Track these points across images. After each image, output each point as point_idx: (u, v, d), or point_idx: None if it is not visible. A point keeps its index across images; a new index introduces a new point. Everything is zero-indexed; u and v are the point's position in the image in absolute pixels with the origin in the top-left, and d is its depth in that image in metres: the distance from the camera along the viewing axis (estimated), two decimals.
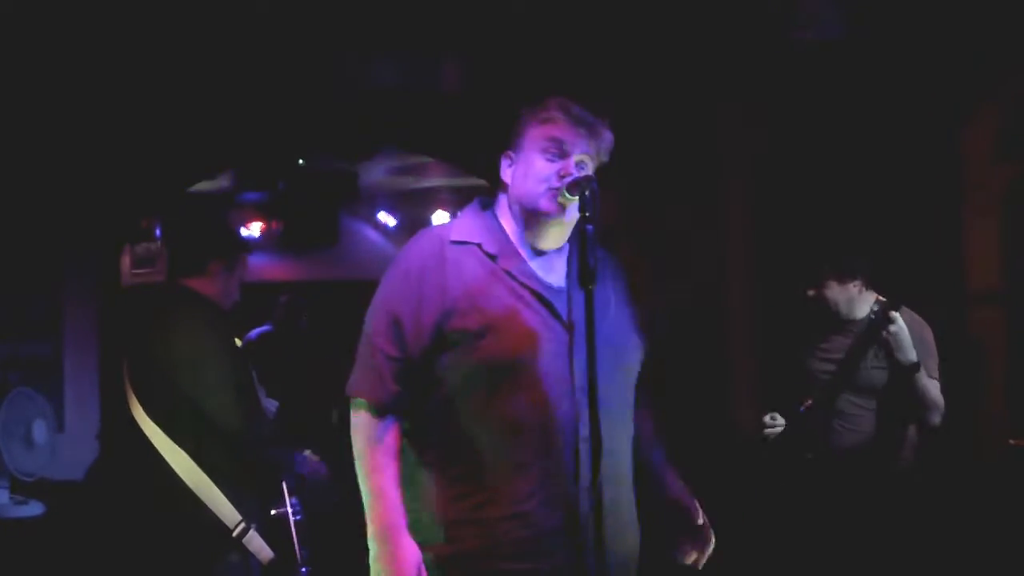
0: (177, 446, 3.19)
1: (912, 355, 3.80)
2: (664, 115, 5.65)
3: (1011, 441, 4.90)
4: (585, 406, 2.15)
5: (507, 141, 2.37)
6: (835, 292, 4.03)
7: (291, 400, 5.72)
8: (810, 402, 4.00)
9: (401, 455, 2.29)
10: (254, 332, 6.75)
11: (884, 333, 3.79)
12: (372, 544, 2.24)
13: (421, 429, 2.29)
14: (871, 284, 4.06)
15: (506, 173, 2.37)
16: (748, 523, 4.59)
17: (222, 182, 8.30)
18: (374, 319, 2.31)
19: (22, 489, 4.46)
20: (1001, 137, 5.21)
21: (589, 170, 2.29)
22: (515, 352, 2.20)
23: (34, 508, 4.39)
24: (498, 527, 2.20)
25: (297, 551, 3.29)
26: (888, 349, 3.83)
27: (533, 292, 2.27)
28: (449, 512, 2.24)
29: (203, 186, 7.50)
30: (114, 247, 6.34)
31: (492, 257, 2.30)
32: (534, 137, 2.30)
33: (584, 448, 2.18)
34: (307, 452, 3.46)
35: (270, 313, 6.85)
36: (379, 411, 2.28)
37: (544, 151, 2.28)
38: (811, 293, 4.07)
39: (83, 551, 3.71)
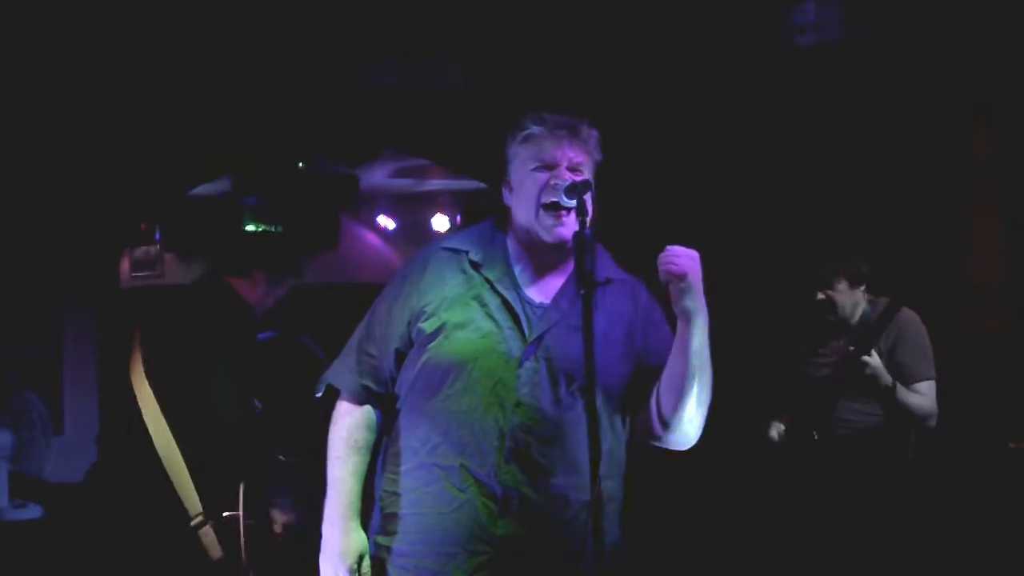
0: (166, 424, 3.26)
1: (887, 380, 3.81)
2: (662, 118, 5.65)
3: (1011, 444, 4.90)
4: (521, 418, 2.21)
5: (502, 172, 2.39)
6: (844, 296, 4.03)
7: (286, 406, 5.72)
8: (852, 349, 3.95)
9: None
10: (259, 337, 6.74)
11: (864, 373, 3.81)
12: (323, 530, 2.35)
13: (388, 426, 2.40)
14: (871, 290, 4.07)
15: (508, 198, 2.39)
16: (748, 527, 4.59)
17: (222, 185, 8.28)
18: (365, 318, 2.43)
19: (21, 492, 4.46)
20: (1004, 138, 5.21)
21: (586, 173, 2.29)
22: (455, 357, 2.25)
23: (33, 511, 4.39)
24: (420, 525, 2.29)
25: (243, 555, 3.32)
26: (866, 379, 3.86)
27: (505, 302, 2.29)
28: (387, 505, 2.36)
29: (203, 189, 7.49)
30: (114, 251, 6.34)
31: (476, 266, 2.32)
32: (521, 159, 2.33)
33: (510, 458, 2.22)
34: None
35: (269, 316, 6.83)
36: (353, 403, 2.39)
37: (532, 169, 2.30)
38: (820, 296, 4.05)
39: (82, 554, 3.72)
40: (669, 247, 2.18)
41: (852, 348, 3.87)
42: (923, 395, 3.88)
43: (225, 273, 3.59)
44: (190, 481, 3.24)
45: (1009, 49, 4.91)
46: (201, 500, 3.25)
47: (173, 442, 3.25)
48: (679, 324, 2.20)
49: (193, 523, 3.24)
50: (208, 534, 3.25)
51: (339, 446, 2.37)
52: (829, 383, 3.98)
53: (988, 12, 4.87)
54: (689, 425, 2.28)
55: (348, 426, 2.38)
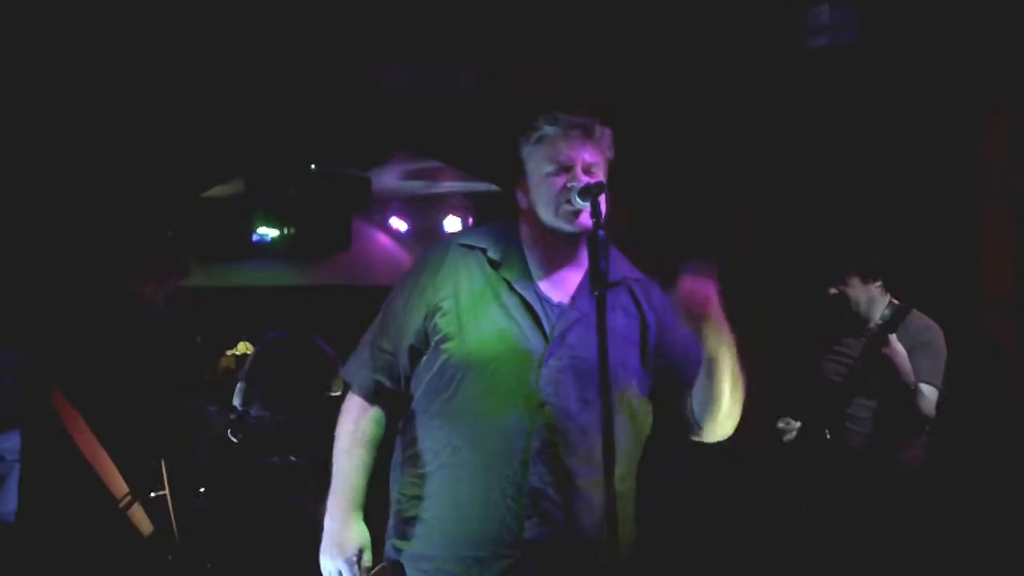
0: (80, 417, 3.34)
1: (909, 378, 3.79)
2: (676, 121, 5.64)
3: None
4: (546, 418, 2.20)
5: (514, 175, 2.38)
6: (857, 291, 4.02)
7: (296, 408, 5.72)
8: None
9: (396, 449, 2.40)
10: (268, 337, 6.75)
11: (882, 351, 3.78)
12: (325, 522, 2.34)
13: (403, 427, 2.38)
14: (889, 287, 4.06)
15: (523, 200, 2.38)
16: (757, 525, 4.58)
17: (234, 187, 8.31)
18: (379, 314, 2.42)
19: None
20: (1017, 143, 5.19)
21: (600, 173, 2.28)
22: (476, 357, 2.23)
23: None
24: (443, 529, 2.26)
25: (175, 531, 3.43)
26: (885, 370, 3.82)
27: (524, 302, 2.28)
28: (406, 508, 2.33)
29: (216, 191, 7.52)
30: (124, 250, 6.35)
31: (494, 264, 2.31)
32: (535, 160, 2.31)
33: (536, 459, 2.20)
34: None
35: (282, 318, 6.84)
36: (365, 399, 2.37)
37: (548, 173, 2.28)
38: (833, 291, 4.05)
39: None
40: (683, 283, 2.13)
41: (881, 323, 3.84)
42: (927, 398, 3.87)
43: (118, 271, 3.69)
44: (112, 465, 3.33)
45: (1021, 54, 4.90)
46: (126, 481, 3.34)
47: (89, 431, 3.32)
48: (708, 358, 2.20)
49: (121, 504, 3.32)
50: (137, 512, 3.34)
51: (347, 439, 2.36)
52: (846, 379, 3.96)
53: (1001, 17, 4.86)
54: (727, 422, 2.30)
55: (357, 419, 2.37)
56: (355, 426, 2.36)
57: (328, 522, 2.34)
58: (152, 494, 3.42)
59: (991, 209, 5.20)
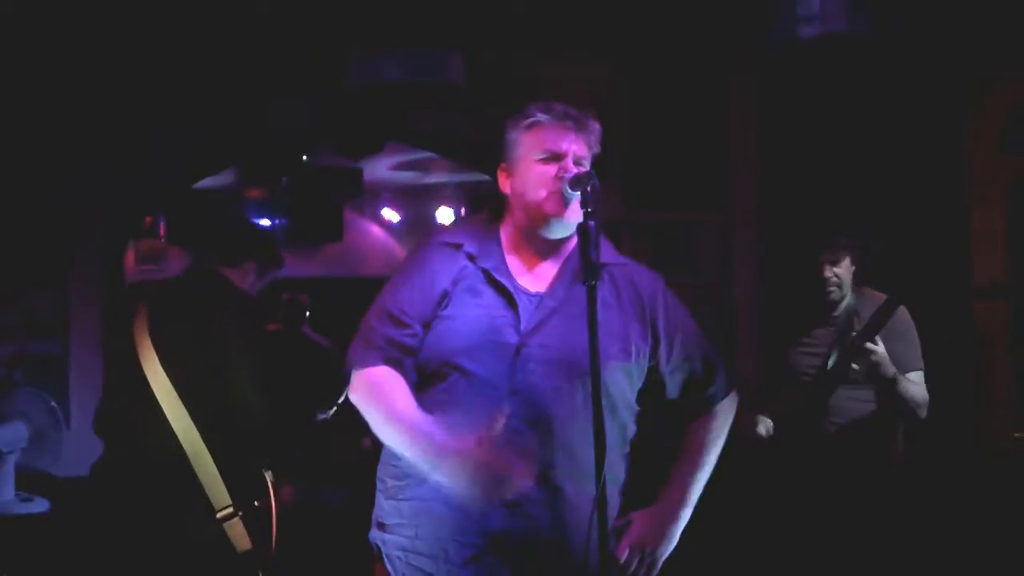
0: (189, 416, 3.16)
1: (890, 370, 3.76)
2: (671, 110, 5.65)
3: (1016, 434, 4.90)
4: (516, 407, 2.17)
5: (499, 155, 2.37)
6: (845, 270, 3.97)
7: (289, 401, 5.69)
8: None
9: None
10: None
11: (867, 357, 3.75)
12: (433, 463, 2.13)
13: None
14: (857, 275, 4.04)
15: (505, 185, 2.37)
16: (747, 519, 4.59)
17: (226, 178, 8.30)
18: (374, 310, 2.35)
19: (27, 486, 4.46)
20: (1006, 129, 5.21)
21: (587, 166, 2.29)
22: (451, 347, 2.23)
23: (39, 505, 4.39)
24: (415, 516, 2.26)
25: (273, 547, 3.26)
26: (868, 368, 3.80)
27: (500, 292, 2.28)
28: (391, 493, 2.33)
29: (208, 182, 7.50)
30: (119, 244, 6.34)
31: (472, 257, 2.32)
32: (526, 145, 2.30)
33: (506, 450, 2.17)
34: None
35: (274, 310, 6.83)
36: (379, 364, 2.27)
37: (538, 157, 2.28)
38: (830, 272, 3.94)
39: (90, 549, 3.70)
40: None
41: (854, 335, 3.82)
42: (919, 385, 3.86)
43: (216, 264, 3.55)
44: (216, 472, 3.15)
45: (1011, 40, 4.91)
46: (229, 491, 3.17)
47: (196, 432, 3.14)
48: None
49: (220, 515, 3.15)
50: (236, 526, 3.16)
51: (381, 389, 2.22)
52: (826, 373, 3.94)
53: (989, 4, 4.87)
54: None
55: (381, 376, 2.24)
56: (381, 381, 2.24)
57: (435, 461, 2.12)
58: (256, 502, 3.22)
59: (981, 195, 5.22)
